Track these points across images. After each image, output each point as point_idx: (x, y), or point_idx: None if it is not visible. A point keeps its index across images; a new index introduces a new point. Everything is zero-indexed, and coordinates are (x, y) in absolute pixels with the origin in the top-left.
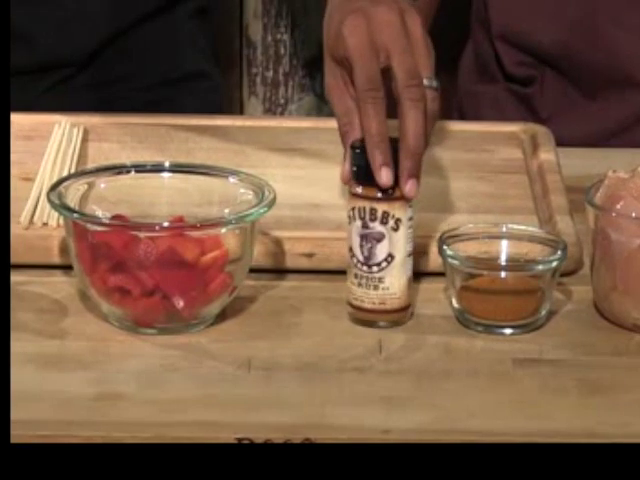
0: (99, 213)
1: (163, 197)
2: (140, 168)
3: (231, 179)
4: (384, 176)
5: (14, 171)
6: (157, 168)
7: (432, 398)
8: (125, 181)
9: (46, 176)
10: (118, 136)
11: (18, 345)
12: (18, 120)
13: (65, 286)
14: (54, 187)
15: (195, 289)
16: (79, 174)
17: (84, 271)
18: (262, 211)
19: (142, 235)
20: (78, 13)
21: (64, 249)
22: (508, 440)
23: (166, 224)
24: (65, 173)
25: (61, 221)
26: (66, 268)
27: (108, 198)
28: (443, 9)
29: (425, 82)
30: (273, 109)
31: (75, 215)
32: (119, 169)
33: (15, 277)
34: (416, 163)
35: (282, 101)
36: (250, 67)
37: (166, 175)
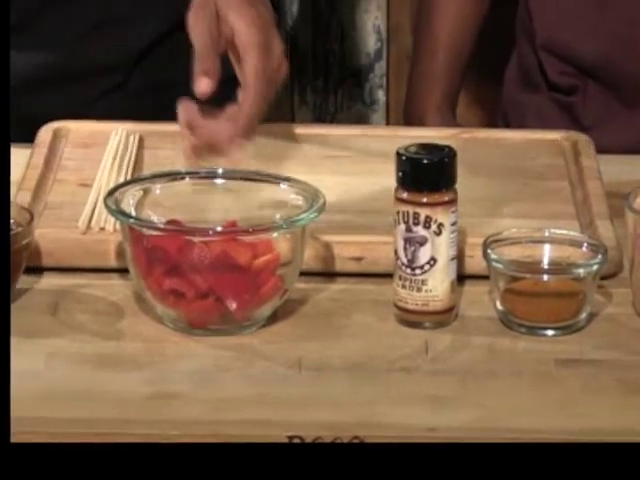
0: (154, 218)
1: (216, 203)
2: (194, 175)
3: (282, 185)
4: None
5: (72, 177)
6: (211, 175)
7: (477, 397)
8: (180, 187)
9: (103, 182)
10: (173, 144)
11: (76, 346)
12: (76, 128)
13: (121, 289)
14: (111, 193)
15: (248, 292)
16: (135, 180)
17: (140, 274)
18: (312, 216)
19: (196, 239)
20: (124, 16)
21: (120, 253)
22: (551, 438)
23: (219, 229)
24: (121, 179)
25: (117, 226)
26: (122, 271)
27: (163, 203)
28: (489, 21)
29: None
30: (323, 117)
31: (131, 220)
32: (174, 175)
33: (73, 280)
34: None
35: (332, 109)
36: (301, 76)
37: (219, 181)
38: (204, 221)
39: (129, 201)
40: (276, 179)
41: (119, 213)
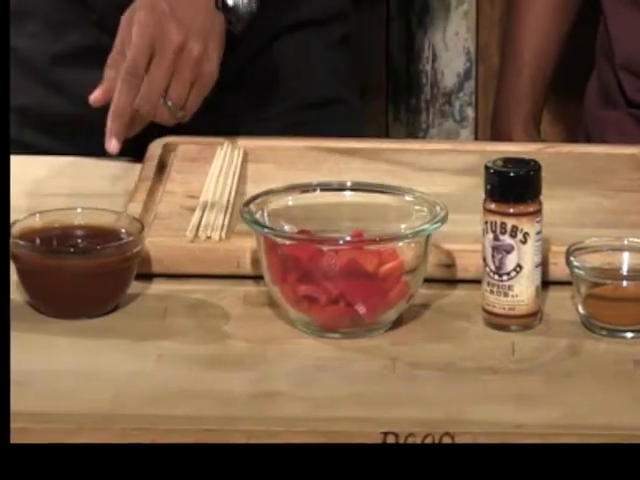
0: (287, 228)
1: (345, 213)
2: (325, 187)
3: (407, 197)
4: (112, 144)
5: (180, 189)
6: (340, 187)
7: (560, 396)
8: (310, 199)
9: (209, 194)
10: (274, 158)
11: (184, 348)
12: (184, 143)
13: (226, 293)
14: (246, 204)
15: (376, 297)
16: (268, 192)
17: (275, 281)
18: (435, 226)
19: (326, 248)
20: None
21: (225, 260)
22: (629, 434)
23: (348, 238)
24: (227, 192)
25: (223, 235)
26: (227, 277)
27: (295, 214)
28: (571, 41)
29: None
30: (415, 133)
31: (266, 230)
32: (305, 188)
33: (181, 286)
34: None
35: (424, 126)
36: (395, 95)
37: (348, 193)
38: (333, 230)
39: (263, 212)
40: (400, 191)
41: (254, 223)
